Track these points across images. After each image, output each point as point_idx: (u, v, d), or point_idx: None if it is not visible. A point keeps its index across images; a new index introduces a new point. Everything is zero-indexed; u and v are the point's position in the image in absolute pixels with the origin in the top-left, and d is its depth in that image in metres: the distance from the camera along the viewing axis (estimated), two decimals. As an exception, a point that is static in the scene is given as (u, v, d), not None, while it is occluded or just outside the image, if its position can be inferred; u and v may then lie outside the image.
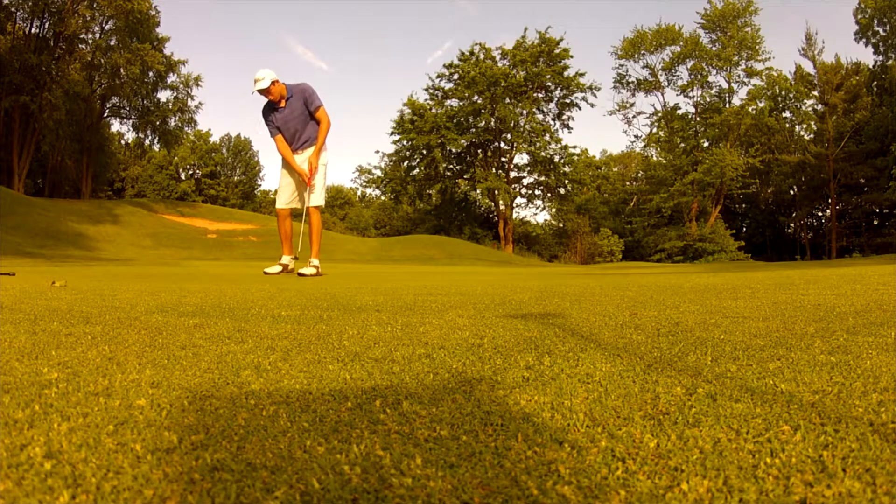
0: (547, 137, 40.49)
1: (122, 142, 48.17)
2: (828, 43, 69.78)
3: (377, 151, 68.03)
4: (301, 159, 6.20)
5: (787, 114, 41.10)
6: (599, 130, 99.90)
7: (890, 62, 36.56)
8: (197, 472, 0.67)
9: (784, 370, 1.21)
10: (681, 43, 40.54)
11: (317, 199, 6.24)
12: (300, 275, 6.02)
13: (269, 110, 6.17)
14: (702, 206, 40.38)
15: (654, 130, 43.46)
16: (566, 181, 42.17)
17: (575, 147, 42.28)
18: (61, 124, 34.73)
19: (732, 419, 0.88)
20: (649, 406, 0.95)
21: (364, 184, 56.20)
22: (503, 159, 42.30)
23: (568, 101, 41.11)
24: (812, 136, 41.56)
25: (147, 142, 41.23)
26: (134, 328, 1.82)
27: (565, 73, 39.52)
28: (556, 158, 41.62)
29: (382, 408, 0.94)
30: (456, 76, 39.93)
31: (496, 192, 40.21)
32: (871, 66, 38.75)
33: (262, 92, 6.02)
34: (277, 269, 6.36)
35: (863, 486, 0.63)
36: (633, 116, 47.11)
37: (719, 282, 4.52)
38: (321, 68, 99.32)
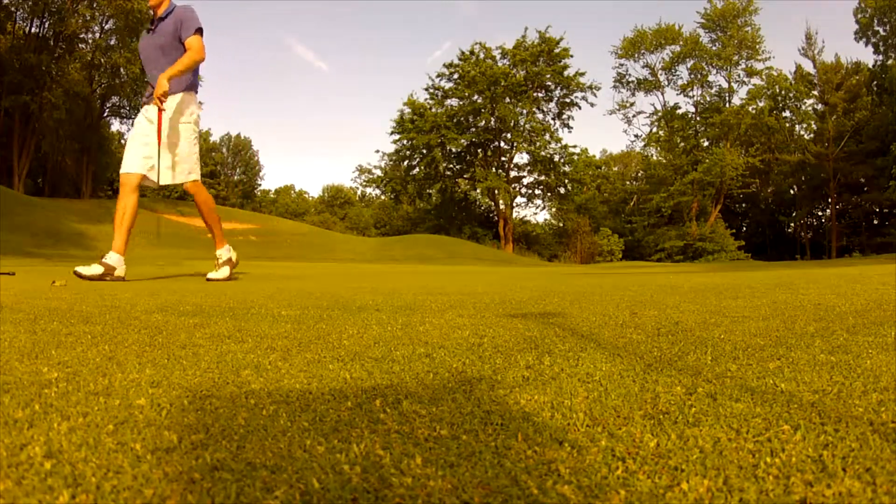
0: (547, 137, 40.52)
1: (123, 141, 48.12)
2: (828, 43, 69.80)
3: (377, 151, 68.16)
4: (153, 113, 4.51)
5: (787, 113, 41.13)
6: (599, 130, 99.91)
7: (890, 62, 36.55)
8: (197, 471, 0.67)
9: (784, 370, 1.21)
10: (681, 42, 40.55)
11: (188, 172, 4.63)
12: (209, 279, 4.65)
13: (145, 30, 4.70)
14: (702, 206, 40.38)
15: (654, 130, 43.49)
16: (566, 181, 42.19)
17: (575, 146, 42.36)
18: (61, 124, 34.73)
19: (732, 419, 0.87)
20: (649, 405, 0.95)
21: (364, 183, 56.24)
22: (503, 159, 42.30)
23: (568, 100, 41.15)
24: (812, 135, 41.56)
25: (147, 141, 41.12)
26: (134, 328, 1.82)
27: (565, 73, 39.54)
28: (556, 158, 41.66)
29: (382, 407, 0.94)
30: (456, 76, 39.94)
31: (496, 191, 40.22)
32: (871, 66, 38.76)
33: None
34: (97, 270, 4.30)
35: (863, 486, 0.63)
36: (633, 116, 47.12)
37: (719, 282, 4.52)
38: (321, 68, 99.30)
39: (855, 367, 1.22)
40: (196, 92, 4.75)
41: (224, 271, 4.81)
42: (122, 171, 4.54)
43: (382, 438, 0.79)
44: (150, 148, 4.51)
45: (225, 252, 4.85)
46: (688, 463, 0.70)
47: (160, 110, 4.42)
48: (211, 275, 4.77)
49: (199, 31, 4.56)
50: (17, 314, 2.10)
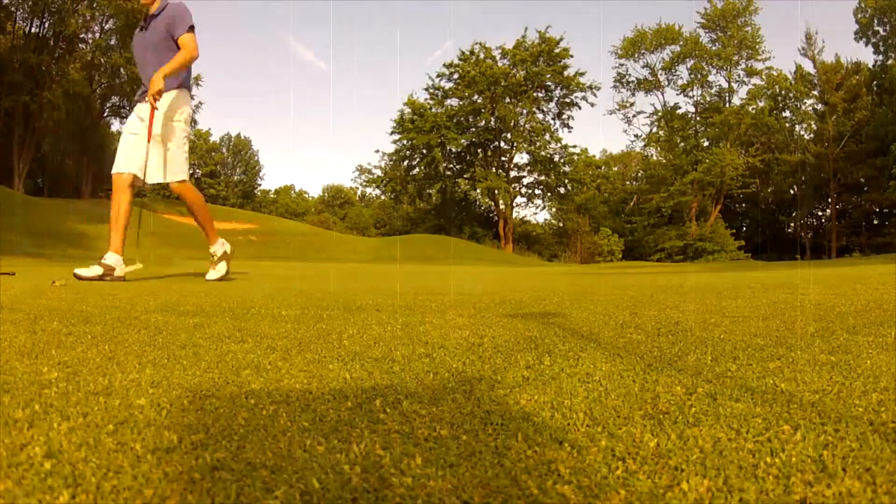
0: (547, 137, 40.56)
1: (122, 141, 48.17)
2: (828, 43, 69.68)
3: (377, 151, 68.11)
4: (145, 111, 4.45)
5: (787, 113, 41.17)
6: (599, 130, 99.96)
7: (890, 62, 36.57)
8: (197, 471, 0.67)
9: (784, 370, 1.21)
10: (681, 42, 40.58)
11: (176, 172, 4.46)
12: (207, 279, 4.61)
13: (138, 28, 4.62)
14: (702, 206, 40.41)
15: (654, 130, 43.51)
16: (566, 181, 42.21)
17: (575, 147, 42.37)
18: (61, 124, 34.74)
19: (732, 419, 0.88)
20: (649, 405, 0.95)
21: (364, 183, 56.25)
22: (503, 159, 42.32)
23: (568, 100, 41.15)
24: (812, 135, 41.58)
25: (147, 141, 41.21)
26: (134, 327, 1.82)
27: (565, 73, 39.54)
28: (556, 158, 41.69)
29: (382, 407, 0.94)
30: (456, 76, 39.95)
31: (496, 191, 40.23)
32: (871, 66, 38.75)
33: None
34: (96, 271, 4.33)
35: (863, 486, 0.63)
36: (633, 116, 47.03)
37: (719, 282, 4.52)
38: (321, 68, 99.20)
39: (855, 367, 1.22)
40: (189, 90, 4.65)
41: (221, 268, 4.76)
42: (113, 170, 4.52)
43: (382, 438, 0.79)
44: (140, 147, 4.45)
45: (219, 247, 4.80)
46: (688, 463, 0.70)
47: (152, 108, 4.36)
48: (209, 275, 4.73)
49: (192, 28, 4.47)
50: (17, 314, 2.10)
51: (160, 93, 4.30)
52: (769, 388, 1.06)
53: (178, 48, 4.45)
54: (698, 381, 1.12)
